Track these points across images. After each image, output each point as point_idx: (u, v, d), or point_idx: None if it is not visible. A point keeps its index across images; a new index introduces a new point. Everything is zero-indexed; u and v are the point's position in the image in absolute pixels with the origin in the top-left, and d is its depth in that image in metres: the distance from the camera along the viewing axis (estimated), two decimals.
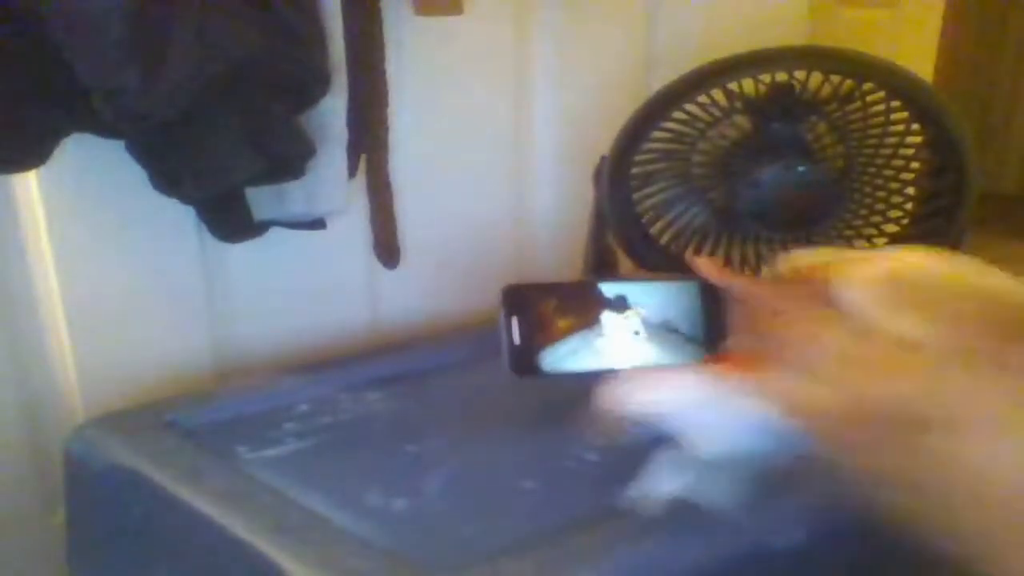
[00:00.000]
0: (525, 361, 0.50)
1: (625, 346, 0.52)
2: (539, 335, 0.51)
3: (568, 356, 0.51)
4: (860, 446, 0.39)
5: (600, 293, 0.53)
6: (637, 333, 0.52)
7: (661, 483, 0.46)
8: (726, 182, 0.69)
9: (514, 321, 0.51)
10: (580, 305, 0.52)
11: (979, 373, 0.37)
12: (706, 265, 0.56)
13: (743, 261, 0.73)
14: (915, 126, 0.66)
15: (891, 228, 0.71)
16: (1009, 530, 0.35)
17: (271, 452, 0.58)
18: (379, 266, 0.81)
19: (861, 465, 0.40)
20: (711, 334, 0.52)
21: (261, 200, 0.70)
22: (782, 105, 0.67)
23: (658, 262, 0.72)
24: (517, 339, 0.51)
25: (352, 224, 0.79)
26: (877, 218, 0.70)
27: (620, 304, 0.53)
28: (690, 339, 0.51)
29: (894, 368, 0.39)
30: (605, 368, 0.51)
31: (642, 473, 0.46)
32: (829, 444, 0.40)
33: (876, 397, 0.39)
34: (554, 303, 0.53)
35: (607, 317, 0.52)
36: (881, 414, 0.38)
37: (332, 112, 0.68)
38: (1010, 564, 0.35)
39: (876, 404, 0.39)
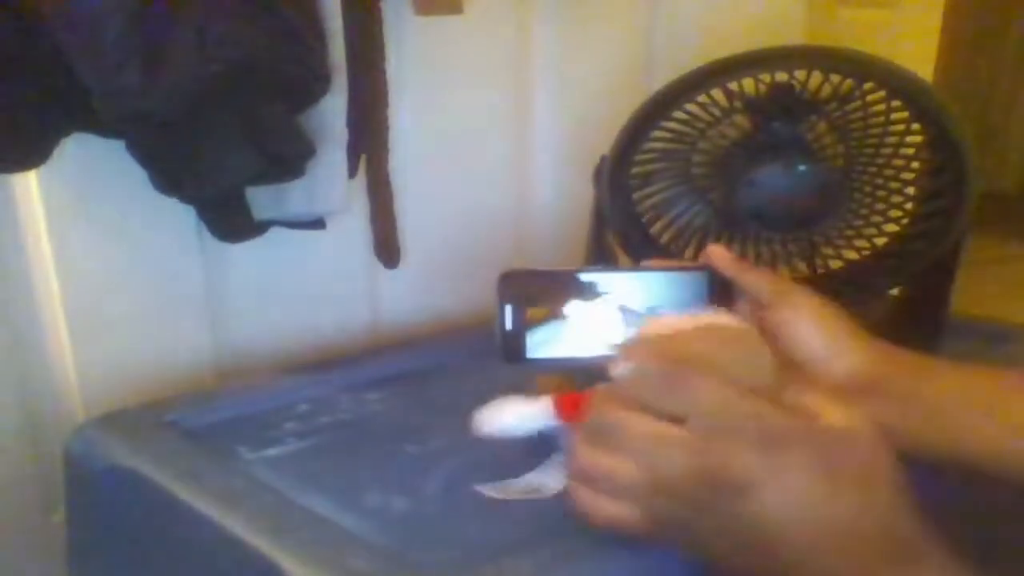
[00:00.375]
0: (514, 348, 0.52)
1: (604, 333, 0.53)
2: (527, 321, 0.52)
3: (550, 343, 0.52)
4: (667, 520, 0.43)
5: (583, 281, 0.54)
6: (612, 319, 0.53)
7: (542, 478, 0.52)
8: (726, 182, 0.69)
9: (507, 308, 0.52)
10: (566, 293, 0.53)
11: (753, 440, 0.40)
12: (716, 254, 0.56)
13: None
14: (915, 126, 0.66)
15: (892, 228, 0.71)
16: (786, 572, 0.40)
17: (271, 452, 0.58)
18: (379, 266, 0.81)
19: (671, 536, 0.43)
20: None
21: (261, 200, 0.69)
22: (782, 105, 0.67)
23: None
24: (509, 325, 0.52)
25: (352, 224, 0.79)
26: (878, 218, 0.70)
27: (595, 292, 0.54)
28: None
29: (682, 448, 0.42)
30: (590, 355, 0.52)
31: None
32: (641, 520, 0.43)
33: (673, 476, 0.42)
34: (544, 290, 0.53)
35: (584, 305, 0.53)
36: (680, 490, 0.41)
37: (332, 112, 0.68)
38: None
39: (674, 482, 0.42)
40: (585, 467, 0.44)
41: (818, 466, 0.40)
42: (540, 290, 0.53)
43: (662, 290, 0.55)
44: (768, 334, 0.53)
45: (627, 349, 0.46)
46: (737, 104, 0.67)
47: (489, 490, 0.51)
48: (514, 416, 0.51)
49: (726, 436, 0.41)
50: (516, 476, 0.53)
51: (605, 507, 0.44)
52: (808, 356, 0.53)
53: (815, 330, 0.53)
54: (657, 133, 0.69)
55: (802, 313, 0.53)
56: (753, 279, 0.56)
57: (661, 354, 0.45)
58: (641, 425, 0.43)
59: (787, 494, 0.40)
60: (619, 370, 0.45)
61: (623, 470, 0.43)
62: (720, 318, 0.50)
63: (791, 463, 0.40)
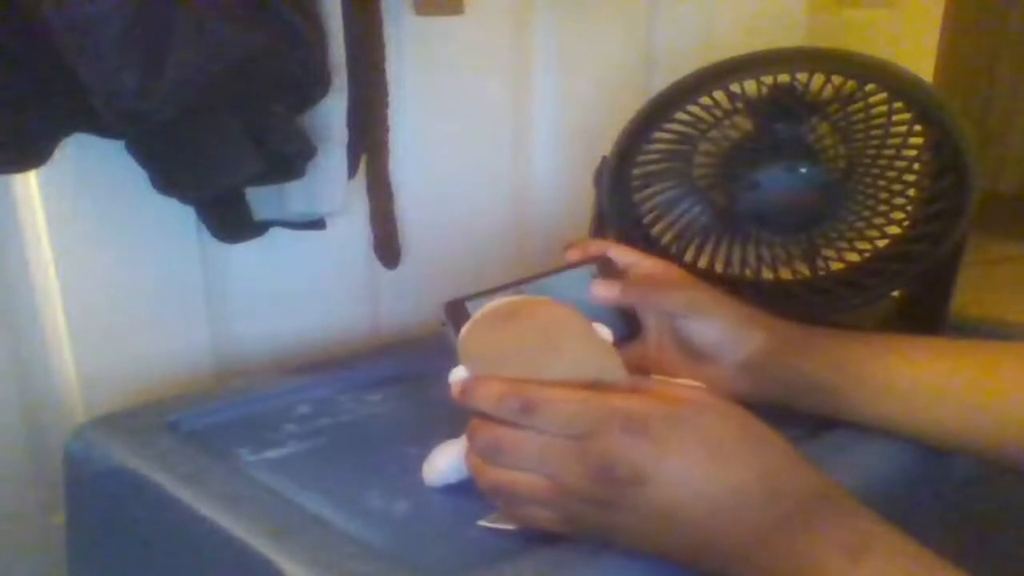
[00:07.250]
0: None
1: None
2: None
3: None
4: (581, 520, 0.44)
5: (526, 291, 0.55)
6: None
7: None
8: (728, 183, 0.69)
9: None
10: None
11: (623, 432, 0.42)
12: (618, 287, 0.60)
13: (744, 263, 0.72)
14: (917, 128, 0.66)
15: (893, 230, 0.71)
16: (700, 548, 0.42)
17: (272, 454, 0.58)
18: (379, 266, 0.81)
19: (590, 533, 0.45)
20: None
21: (261, 200, 0.69)
22: (784, 106, 0.67)
23: None
24: None
25: (352, 224, 0.79)
26: (880, 220, 0.70)
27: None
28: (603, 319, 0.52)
29: (568, 456, 0.43)
30: None
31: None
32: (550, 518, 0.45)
33: (571, 482, 0.43)
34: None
35: None
36: (583, 493, 0.43)
37: (332, 112, 0.68)
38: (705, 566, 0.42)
39: (575, 487, 0.43)
40: (489, 484, 0.46)
41: (693, 439, 0.42)
42: None
43: (575, 290, 0.58)
44: (681, 337, 0.59)
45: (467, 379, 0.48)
46: (739, 105, 0.67)
47: (494, 521, 0.49)
48: (446, 463, 0.52)
49: (597, 437, 0.42)
50: None
51: (522, 513, 0.46)
52: (717, 351, 0.58)
53: (722, 328, 0.58)
54: (659, 134, 0.69)
55: (713, 318, 0.58)
56: (662, 297, 0.59)
57: (498, 380, 0.46)
58: (526, 441, 0.44)
59: (675, 472, 0.42)
60: (457, 375, 0.49)
61: (524, 482, 0.44)
62: (541, 301, 0.50)
63: (668, 442, 0.42)
